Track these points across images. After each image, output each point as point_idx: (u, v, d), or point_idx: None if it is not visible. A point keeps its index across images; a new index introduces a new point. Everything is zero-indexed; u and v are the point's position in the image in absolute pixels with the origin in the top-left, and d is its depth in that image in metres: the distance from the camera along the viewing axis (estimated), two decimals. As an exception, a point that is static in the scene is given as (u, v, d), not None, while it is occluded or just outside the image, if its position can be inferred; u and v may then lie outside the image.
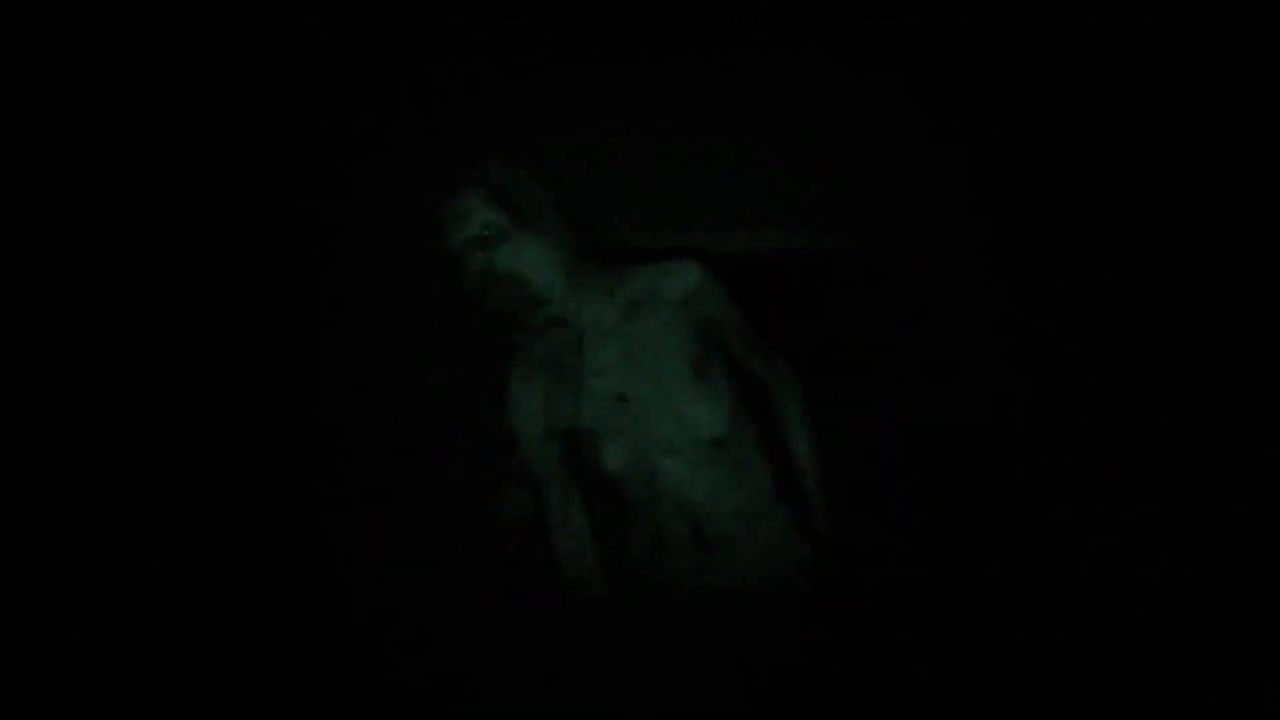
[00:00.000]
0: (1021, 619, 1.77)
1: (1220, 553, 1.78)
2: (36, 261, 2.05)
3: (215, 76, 2.12)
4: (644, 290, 1.60)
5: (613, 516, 1.59)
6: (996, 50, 1.96)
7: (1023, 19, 1.96)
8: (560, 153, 2.25)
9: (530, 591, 1.96)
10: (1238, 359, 1.86)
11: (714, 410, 1.53)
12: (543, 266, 1.56)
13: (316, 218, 2.21)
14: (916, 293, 2.05)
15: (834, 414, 1.74)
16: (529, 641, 1.91)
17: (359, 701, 2.04)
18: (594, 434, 1.57)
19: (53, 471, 2.02)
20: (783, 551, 1.55)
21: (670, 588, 1.54)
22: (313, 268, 2.21)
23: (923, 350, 2.02)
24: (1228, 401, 1.84)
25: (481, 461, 2.21)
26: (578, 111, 2.24)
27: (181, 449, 2.09)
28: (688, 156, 2.19)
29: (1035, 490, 1.86)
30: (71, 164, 2.07)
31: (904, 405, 1.99)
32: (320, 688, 2.03)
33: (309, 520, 2.14)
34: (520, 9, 2.17)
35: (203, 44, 2.11)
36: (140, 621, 2.01)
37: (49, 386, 2.03)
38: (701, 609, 1.52)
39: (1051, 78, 1.96)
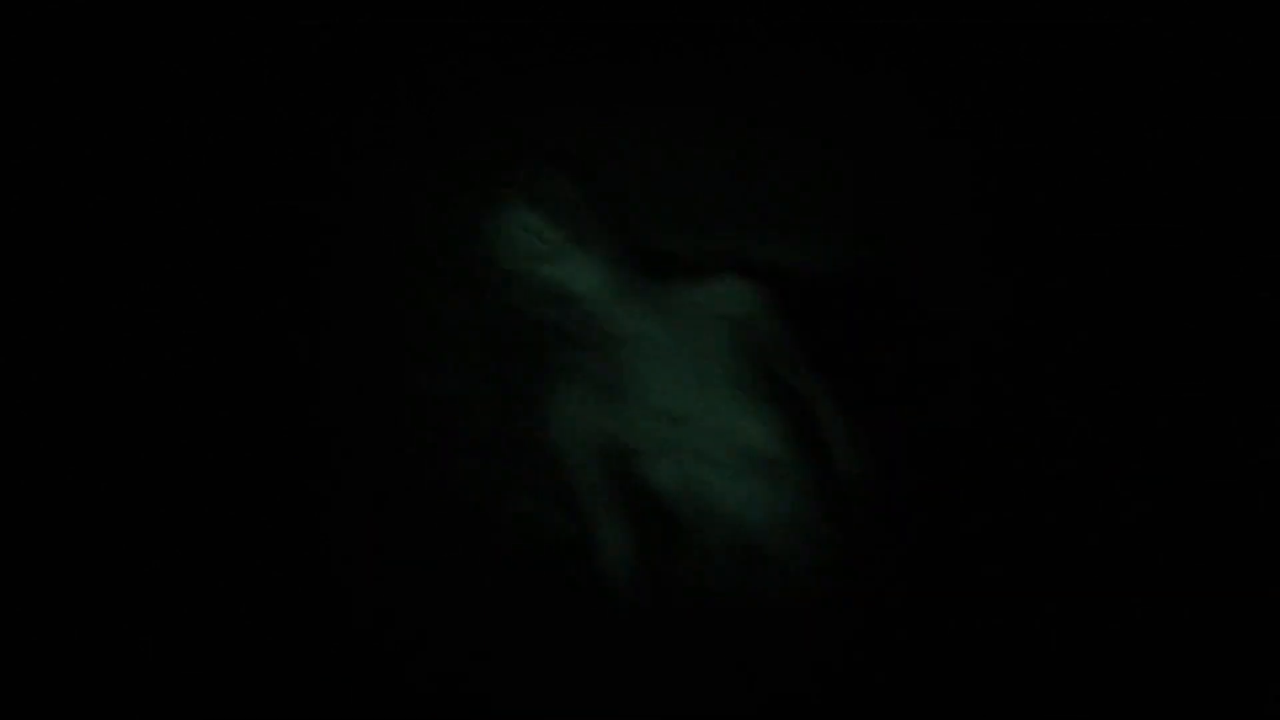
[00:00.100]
0: (1046, 622, 1.76)
1: (1220, 553, 1.78)
2: (36, 261, 2.04)
3: (215, 76, 2.12)
4: (692, 305, 1.60)
5: (656, 533, 1.59)
6: (1035, 61, 1.95)
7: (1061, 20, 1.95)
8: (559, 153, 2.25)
9: (566, 604, 1.96)
10: (1238, 359, 1.86)
11: (763, 426, 1.52)
12: (592, 280, 1.56)
13: (316, 218, 2.21)
14: (943, 301, 2.04)
15: (871, 427, 1.74)
16: (558, 648, 1.90)
17: (360, 702, 2.04)
18: (640, 450, 1.57)
19: (52, 471, 2.01)
20: (828, 568, 1.54)
21: (714, 602, 1.54)
22: (312, 267, 2.21)
23: (951, 358, 2.00)
24: (1228, 401, 1.84)
25: (483, 463, 2.21)
26: (577, 111, 2.24)
27: (181, 449, 2.08)
28: (706, 161, 2.19)
29: (1040, 492, 1.86)
30: (72, 164, 2.07)
31: (929, 414, 1.98)
32: (320, 688, 2.03)
33: (308, 520, 2.14)
34: (521, 9, 2.17)
35: (203, 44, 2.11)
36: (140, 621, 2.01)
37: (48, 386, 2.03)
38: (744, 622, 1.51)
39: (1093, 84, 1.95)
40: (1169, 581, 1.78)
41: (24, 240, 2.04)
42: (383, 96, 2.21)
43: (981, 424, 1.91)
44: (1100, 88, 1.96)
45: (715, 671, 1.52)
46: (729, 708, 1.50)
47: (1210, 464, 1.82)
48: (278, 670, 2.02)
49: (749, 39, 2.14)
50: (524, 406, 2.03)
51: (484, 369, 2.18)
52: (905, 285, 2.03)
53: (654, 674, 1.55)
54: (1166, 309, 1.92)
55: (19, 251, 2.04)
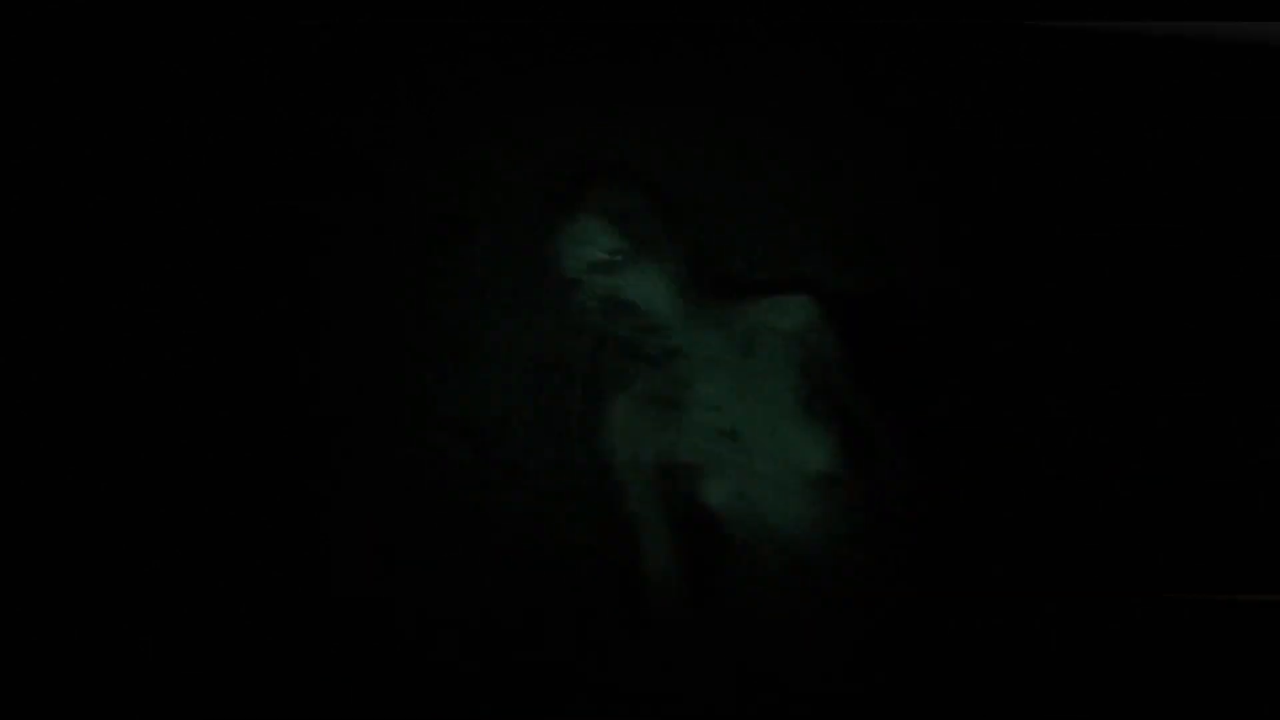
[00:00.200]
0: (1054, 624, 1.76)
1: (1220, 552, 1.78)
2: (36, 261, 2.04)
3: (215, 76, 2.12)
4: (758, 324, 1.59)
5: (705, 550, 1.58)
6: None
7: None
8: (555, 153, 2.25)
9: (609, 616, 1.95)
10: (1238, 359, 1.86)
11: (818, 446, 1.51)
12: (661, 295, 1.54)
13: (316, 218, 2.21)
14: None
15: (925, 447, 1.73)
16: (599, 661, 1.90)
17: (361, 702, 2.04)
18: (695, 467, 1.56)
19: (51, 471, 2.01)
20: (877, 587, 1.53)
21: (760, 619, 1.53)
22: (312, 268, 2.21)
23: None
24: (1228, 401, 1.84)
25: (486, 465, 2.21)
26: (576, 112, 2.24)
27: (180, 449, 2.08)
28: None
29: (1094, 507, 1.85)
30: (72, 164, 2.07)
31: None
32: (320, 688, 2.03)
33: (308, 520, 2.14)
34: (523, 9, 2.17)
35: (203, 44, 2.11)
36: (139, 621, 2.01)
37: (48, 386, 2.03)
38: (789, 639, 1.50)
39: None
40: (1168, 583, 1.78)
41: (24, 240, 2.04)
42: (383, 96, 2.21)
43: (1035, 442, 1.89)
44: (1136, 90, 1.95)
45: (757, 688, 1.51)
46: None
47: (1210, 464, 1.82)
48: (277, 669, 2.02)
49: (798, 52, 2.12)
50: (576, 420, 2.03)
51: (537, 381, 2.18)
52: (959, 302, 2.00)
53: (695, 689, 1.55)
54: (1168, 311, 1.92)
55: (19, 251, 2.03)
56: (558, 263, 1.56)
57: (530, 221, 2.25)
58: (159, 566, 2.02)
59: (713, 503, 1.54)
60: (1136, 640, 1.73)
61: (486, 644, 2.07)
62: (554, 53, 2.20)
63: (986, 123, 2.02)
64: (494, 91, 2.22)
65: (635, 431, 1.62)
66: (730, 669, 1.53)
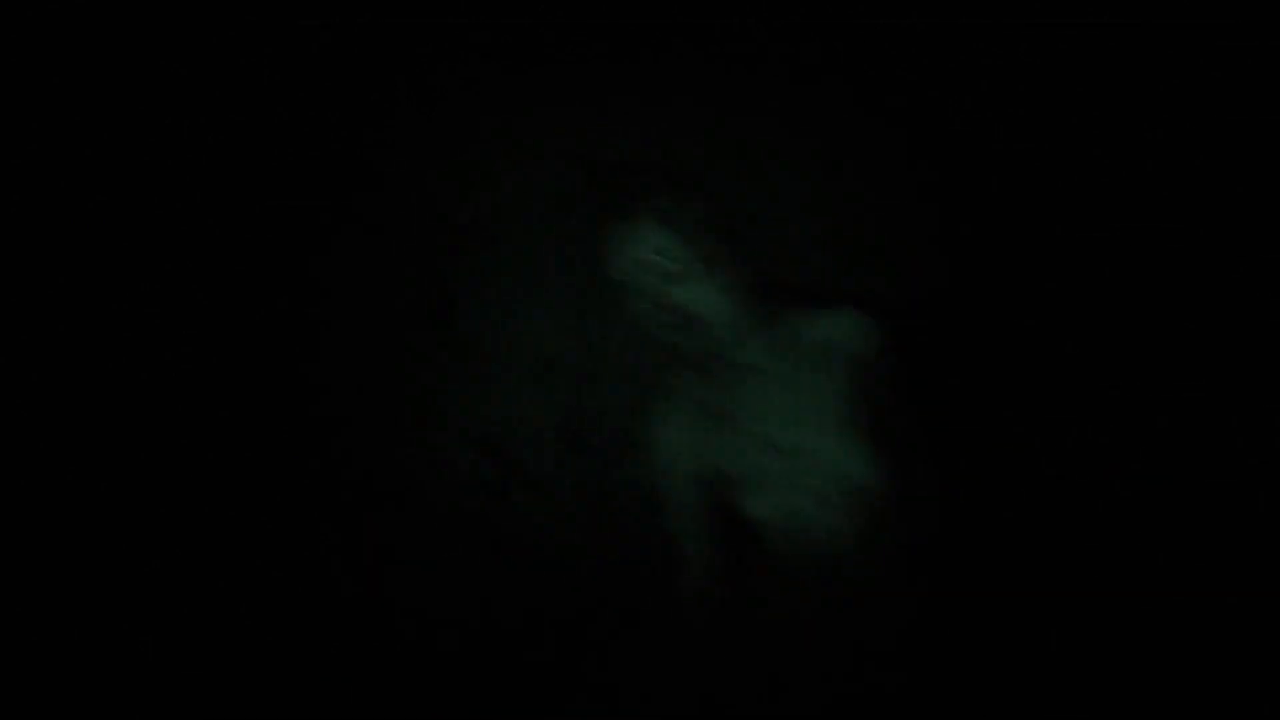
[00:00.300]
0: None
1: (1220, 553, 1.78)
2: (36, 261, 2.05)
3: (215, 76, 2.12)
4: (809, 336, 1.55)
5: (747, 562, 1.57)
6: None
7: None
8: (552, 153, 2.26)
9: (648, 622, 1.95)
10: (1238, 359, 1.86)
11: (868, 465, 1.48)
12: (719, 304, 1.52)
13: (316, 218, 2.21)
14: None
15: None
16: (635, 665, 1.89)
17: (363, 703, 2.04)
18: (742, 480, 1.54)
19: (51, 470, 2.01)
20: (919, 607, 1.50)
21: (797, 633, 1.51)
22: (312, 268, 2.21)
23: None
24: (1228, 401, 1.84)
25: (487, 466, 2.21)
26: (576, 112, 2.24)
27: (180, 449, 2.09)
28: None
29: (1138, 531, 1.85)
30: (72, 164, 2.07)
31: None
32: (321, 689, 2.04)
33: (307, 521, 2.14)
34: (524, 9, 2.17)
35: (203, 44, 2.11)
36: (139, 620, 2.01)
37: (48, 385, 2.03)
38: (827, 656, 1.48)
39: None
40: (1169, 582, 1.77)
41: (24, 240, 2.04)
42: (383, 96, 2.21)
43: (1081, 458, 1.87)
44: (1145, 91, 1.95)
45: (788, 700, 1.50)
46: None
47: (1211, 464, 1.82)
48: (278, 670, 2.03)
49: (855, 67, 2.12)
50: (631, 425, 2.04)
51: (551, 389, 2.18)
52: (1009, 319, 1.98)
53: (720, 698, 1.53)
54: (1167, 312, 1.91)
55: (19, 251, 2.04)
56: (614, 269, 1.52)
57: (547, 229, 2.26)
58: (146, 553, 2.03)
59: (754, 515, 1.52)
60: (1175, 642, 1.72)
61: (496, 647, 2.07)
62: (583, 55, 2.20)
63: (1038, 141, 2.01)
64: (506, 95, 2.23)
65: (682, 441, 1.60)
66: (761, 680, 1.52)
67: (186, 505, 2.06)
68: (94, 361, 2.05)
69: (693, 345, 1.53)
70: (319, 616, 2.08)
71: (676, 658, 1.69)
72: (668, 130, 2.23)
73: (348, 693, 2.04)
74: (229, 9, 2.09)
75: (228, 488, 2.09)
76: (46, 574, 1.98)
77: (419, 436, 2.22)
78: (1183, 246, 1.92)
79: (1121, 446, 1.86)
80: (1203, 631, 1.73)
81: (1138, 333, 1.92)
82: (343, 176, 2.21)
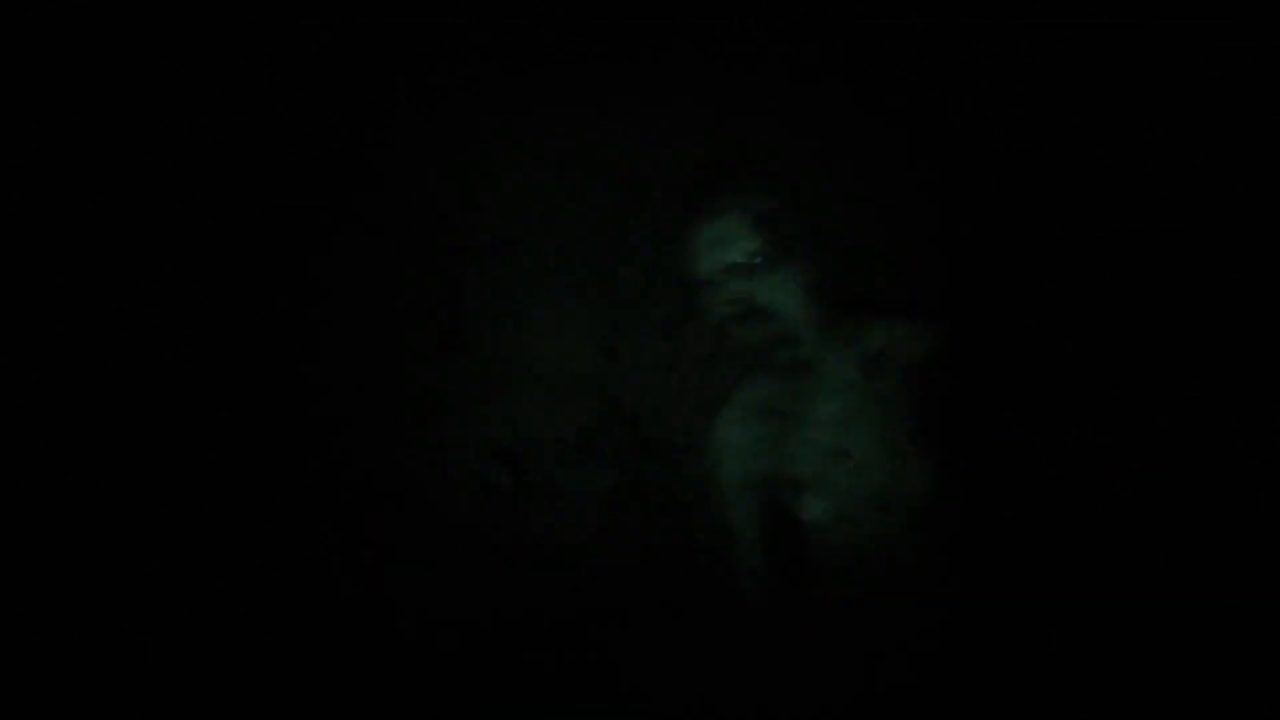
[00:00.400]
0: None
1: (1220, 553, 1.77)
2: (36, 261, 2.05)
3: (215, 76, 2.12)
4: (884, 345, 1.54)
5: (797, 567, 1.55)
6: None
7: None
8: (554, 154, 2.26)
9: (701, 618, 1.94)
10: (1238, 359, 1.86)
11: (925, 475, 1.46)
12: (796, 304, 1.50)
13: (316, 218, 2.21)
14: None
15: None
16: (685, 659, 1.88)
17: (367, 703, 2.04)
18: (799, 483, 1.52)
19: (51, 469, 2.01)
20: (966, 619, 1.48)
21: (843, 640, 1.49)
22: (312, 268, 2.21)
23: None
24: (1228, 401, 1.84)
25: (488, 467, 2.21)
26: (576, 112, 2.24)
27: (180, 449, 2.09)
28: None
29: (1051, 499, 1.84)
30: (71, 164, 2.07)
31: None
32: (322, 689, 2.04)
33: (308, 522, 2.14)
34: (523, 9, 2.17)
35: (203, 44, 2.11)
36: (139, 620, 2.01)
37: (47, 386, 2.03)
38: (869, 664, 1.47)
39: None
40: (1168, 583, 1.77)
41: (23, 240, 2.04)
42: (383, 97, 2.21)
43: (1151, 481, 1.85)
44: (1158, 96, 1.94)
45: (834, 705, 1.49)
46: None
47: (1210, 464, 1.82)
48: (278, 670, 2.03)
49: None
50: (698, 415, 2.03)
51: (575, 403, 2.18)
52: (1087, 343, 1.96)
53: (774, 695, 1.52)
54: (1167, 313, 1.91)
55: (19, 251, 2.04)
56: (691, 262, 1.50)
57: (548, 229, 2.26)
58: (147, 552, 2.03)
59: (809, 519, 1.51)
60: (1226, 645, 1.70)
61: (501, 651, 2.07)
62: (583, 55, 2.20)
63: (1039, 141, 2.00)
64: (506, 95, 2.23)
65: (742, 440, 1.58)
66: (806, 690, 1.50)
67: (187, 505, 2.06)
68: (94, 361, 2.05)
69: (769, 344, 1.51)
70: (323, 619, 2.08)
71: (684, 662, 1.68)
72: (668, 130, 2.23)
73: (348, 693, 2.04)
74: (229, 9, 2.09)
75: (227, 488, 2.09)
76: (46, 574, 1.98)
77: (422, 438, 2.22)
78: (1183, 247, 1.92)
79: (1168, 449, 1.84)
80: (1232, 632, 1.71)
81: (1138, 332, 1.92)
82: (343, 176, 2.21)
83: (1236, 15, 1.87)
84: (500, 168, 2.26)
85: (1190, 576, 1.75)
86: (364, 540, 2.15)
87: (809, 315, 1.51)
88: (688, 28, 2.19)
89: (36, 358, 2.02)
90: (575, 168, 2.26)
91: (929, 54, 2.08)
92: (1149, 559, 1.76)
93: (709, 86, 2.23)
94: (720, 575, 1.66)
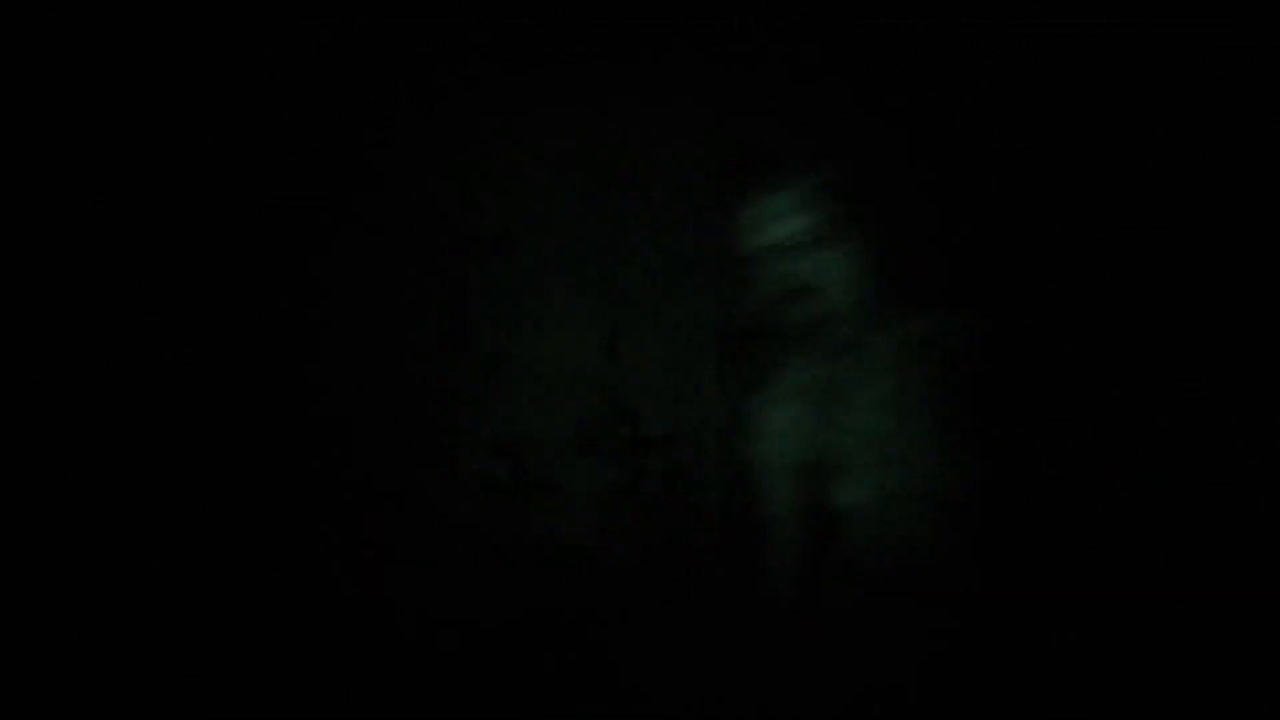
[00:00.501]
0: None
1: (1220, 553, 1.77)
2: (36, 261, 2.04)
3: (215, 76, 2.12)
4: (929, 332, 1.52)
5: (825, 551, 1.53)
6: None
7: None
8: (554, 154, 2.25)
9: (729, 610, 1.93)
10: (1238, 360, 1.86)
11: (955, 466, 1.45)
12: (848, 284, 1.48)
13: (316, 218, 2.21)
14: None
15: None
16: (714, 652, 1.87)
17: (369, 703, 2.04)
18: (831, 467, 1.51)
19: (52, 469, 2.01)
20: (990, 608, 1.47)
21: (868, 625, 1.47)
22: (312, 268, 2.21)
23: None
24: (1228, 401, 1.84)
25: (487, 468, 2.21)
26: (576, 112, 2.24)
27: (181, 449, 2.08)
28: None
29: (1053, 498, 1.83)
30: (72, 164, 2.07)
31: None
32: (322, 689, 2.03)
33: (309, 521, 2.14)
34: (522, 9, 2.17)
35: (203, 44, 2.11)
36: (139, 620, 2.00)
37: (47, 386, 2.03)
38: (893, 650, 1.45)
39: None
40: (1170, 583, 1.77)
41: (24, 240, 2.04)
42: (383, 97, 2.21)
43: (1188, 477, 1.83)
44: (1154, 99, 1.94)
45: (858, 694, 1.47)
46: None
47: (1211, 464, 1.81)
48: (279, 671, 2.02)
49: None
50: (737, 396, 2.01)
51: (575, 400, 2.17)
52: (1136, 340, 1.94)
53: (801, 684, 1.51)
54: (1167, 313, 1.91)
55: (19, 251, 2.03)
56: (742, 240, 1.49)
57: (549, 229, 2.26)
58: (171, 567, 2.03)
59: (839, 504, 1.49)
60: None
61: (501, 650, 2.07)
62: (583, 55, 2.20)
63: (1039, 141, 1.99)
64: (506, 95, 2.23)
65: (784, 423, 1.56)
66: (808, 690, 1.49)
67: (187, 505, 2.06)
68: (94, 361, 2.05)
69: (814, 323, 1.49)
70: (323, 619, 2.08)
71: (684, 660, 1.68)
72: (668, 130, 2.23)
73: (348, 692, 2.04)
74: (229, 9, 2.09)
75: (227, 488, 2.08)
76: (46, 574, 1.98)
77: (422, 437, 2.21)
78: (1183, 246, 1.92)
79: (1213, 448, 1.83)
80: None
81: (1140, 332, 1.92)
82: (343, 176, 2.21)
83: (1236, 15, 1.88)
84: (500, 168, 2.26)
85: (1236, 577, 1.72)
86: (364, 540, 2.14)
87: (855, 296, 1.49)
88: (688, 28, 2.19)
89: (37, 357, 2.02)
90: (575, 167, 2.25)
91: (929, 54, 2.08)
92: (1190, 559, 1.73)
93: (709, 86, 2.23)
94: (721, 572, 1.66)
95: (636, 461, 2.16)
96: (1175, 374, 1.85)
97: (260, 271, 2.16)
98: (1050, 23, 2.00)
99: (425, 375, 2.24)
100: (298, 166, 2.18)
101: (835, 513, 1.49)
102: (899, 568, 1.45)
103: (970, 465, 1.47)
